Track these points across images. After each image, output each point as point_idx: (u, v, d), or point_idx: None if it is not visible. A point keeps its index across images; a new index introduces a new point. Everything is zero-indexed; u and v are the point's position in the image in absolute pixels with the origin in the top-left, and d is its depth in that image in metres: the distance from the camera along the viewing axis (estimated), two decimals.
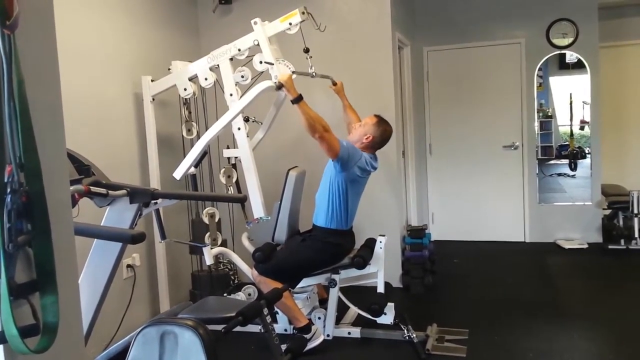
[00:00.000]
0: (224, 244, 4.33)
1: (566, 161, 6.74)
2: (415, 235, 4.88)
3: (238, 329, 2.43)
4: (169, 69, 4.07)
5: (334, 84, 4.09)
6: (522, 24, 6.09)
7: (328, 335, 3.74)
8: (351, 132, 3.83)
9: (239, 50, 3.72)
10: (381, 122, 3.76)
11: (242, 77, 3.79)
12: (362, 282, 3.86)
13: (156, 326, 1.82)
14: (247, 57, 3.76)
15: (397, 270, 4.83)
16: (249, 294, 4.20)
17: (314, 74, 3.72)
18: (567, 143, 6.73)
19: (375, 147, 3.77)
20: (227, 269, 4.58)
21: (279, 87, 3.45)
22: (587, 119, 6.31)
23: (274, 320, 3.57)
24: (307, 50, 3.69)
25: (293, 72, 3.55)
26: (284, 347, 2.77)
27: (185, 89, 3.93)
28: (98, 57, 3.77)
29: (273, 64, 3.59)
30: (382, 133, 3.74)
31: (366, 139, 3.69)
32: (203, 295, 3.98)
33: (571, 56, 6.14)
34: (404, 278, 4.82)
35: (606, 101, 6.27)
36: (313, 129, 3.36)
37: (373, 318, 3.70)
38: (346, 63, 4.77)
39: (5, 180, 0.98)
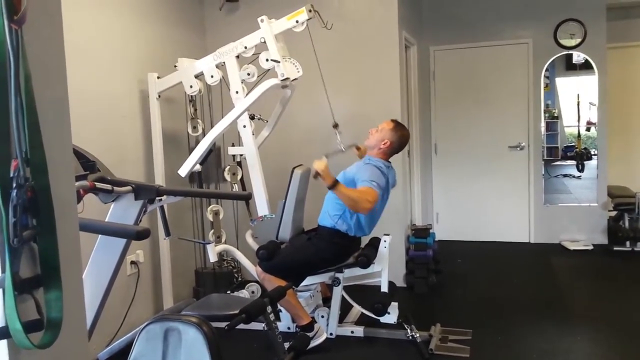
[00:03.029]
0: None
1: (572, 162, 6.71)
2: (420, 234, 4.87)
3: (241, 326, 2.42)
4: (175, 66, 4.08)
5: (358, 148, 3.98)
6: (529, 24, 6.07)
7: (331, 334, 3.74)
8: (368, 138, 3.77)
9: (245, 47, 3.72)
10: (398, 126, 3.72)
11: (248, 74, 3.79)
12: (365, 281, 3.86)
13: (160, 323, 1.82)
14: (253, 54, 3.75)
15: (401, 270, 4.82)
16: (253, 292, 4.21)
17: (343, 149, 3.72)
18: (573, 144, 6.70)
19: (392, 153, 3.73)
20: (230, 267, 4.59)
21: (316, 176, 3.37)
22: (594, 120, 6.29)
23: (277, 318, 3.57)
24: (336, 126, 3.75)
25: (326, 156, 3.46)
26: (287, 345, 2.77)
27: (191, 86, 3.93)
28: (104, 54, 3.78)
29: (279, 62, 3.59)
30: (400, 138, 3.70)
31: (384, 144, 3.66)
32: (206, 292, 3.98)
33: (578, 57, 6.11)
34: (408, 277, 4.81)
35: (613, 102, 6.23)
36: (357, 209, 3.38)
37: (376, 317, 3.69)
38: (352, 61, 4.76)
39: (11, 175, 0.98)
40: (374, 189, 3.35)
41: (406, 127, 3.85)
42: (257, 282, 4.03)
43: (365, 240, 3.89)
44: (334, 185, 3.31)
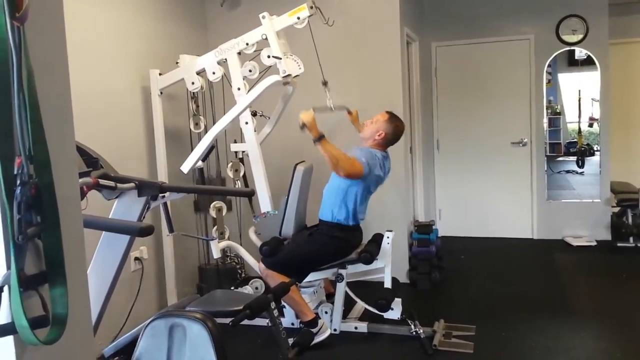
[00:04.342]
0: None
1: (574, 158, 6.69)
2: (423, 231, 4.87)
3: (245, 322, 2.43)
4: (177, 63, 4.07)
5: (349, 112, 4.06)
6: (531, 20, 6.05)
7: (335, 330, 3.75)
8: (363, 130, 3.80)
9: (247, 44, 3.72)
10: (393, 118, 3.75)
11: (250, 71, 3.78)
12: (369, 277, 3.86)
13: (165, 319, 1.83)
14: (255, 51, 3.75)
15: (404, 266, 4.82)
16: (256, 288, 4.21)
17: (332, 107, 3.77)
18: (575, 140, 6.68)
19: (387, 144, 3.76)
20: (234, 263, 4.59)
21: (302, 126, 3.41)
22: (596, 116, 6.27)
23: (281, 314, 3.58)
24: (325, 83, 3.77)
25: (314, 109, 3.53)
26: (291, 340, 2.78)
27: (193, 83, 3.93)
28: (106, 51, 3.78)
29: (281, 58, 3.58)
30: (395, 129, 3.73)
31: (379, 135, 3.68)
32: (210, 288, 3.99)
33: (580, 53, 6.09)
34: (411, 274, 4.81)
35: (615, 98, 6.22)
36: (337, 168, 3.43)
37: (380, 313, 3.70)
38: (354, 58, 4.76)
39: (15, 172, 0.99)
40: (362, 164, 3.44)
41: (401, 119, 3.86)
42: (260, 278, 4.04)
43: (368, 237, 3.89)
44: (320, 138, 3.37)
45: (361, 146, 3.75)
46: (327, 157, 3.41)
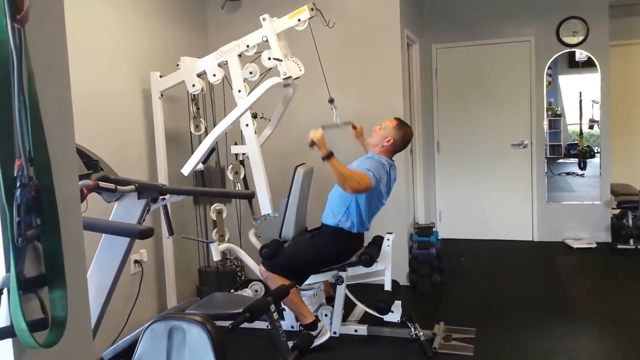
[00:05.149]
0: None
1: (575, 160, 6.69)
2: (423, 233, 4.86)
3: (245, 325, 2.43)
4: (178, 65, 4.07)
5: (354, 127, 4.04)
6: (532, 21, 6.05)
7: (335, 333, 3.74)
8: (371, 136, 3.78)
9: (248, 46, 3.72)
10: (401, 124, 3.74)
11: (251, 73, 3.78)
12: (369, 280, 3.86)
13: (164, 321, 1.82)
14: (255, 53, 3.75)
15: (404, 268, 4.82)
16: (256, 291, 4.21)
17: (339, 124, 3.82)
18: (576, 142, 6.68)
19: (395, 151, 3.74)
20: (234, 265, 4.59)
21: (312, 144, 3.40)
22: (597, 117, 6.27)
23: (281, 317, 3.57)
24: (331, 101, 3.83)
25: (322, 127, 3.52)
26: (290, 343, 2.77)
27: (193, 85, 3.93)
28: (107, 53, 3.78)
29: (282, 60, 3.58)
30: (403, 136, 3.71)
31: (387, 142, 3.67)
32: (210, 291, 3.98)
33: (581, 54, 6.10)
34: (411, 276, 4.81)
35: (616, 100, 6.21)
36: (344, 185, 3.40)
37: (380, 316, 3.69)
38: (354, 60, 4.76)
39: (15, 174, 0.98)
40: (369, 177, 3.40)
41: (409, 125, 3.85)
42: (260, 280, 4.03)
43: (368, 239, 3.89)
44: (329, 156, 3.34)
45: (370, 152, 3.73)
46: (335, 174, 3.38)
